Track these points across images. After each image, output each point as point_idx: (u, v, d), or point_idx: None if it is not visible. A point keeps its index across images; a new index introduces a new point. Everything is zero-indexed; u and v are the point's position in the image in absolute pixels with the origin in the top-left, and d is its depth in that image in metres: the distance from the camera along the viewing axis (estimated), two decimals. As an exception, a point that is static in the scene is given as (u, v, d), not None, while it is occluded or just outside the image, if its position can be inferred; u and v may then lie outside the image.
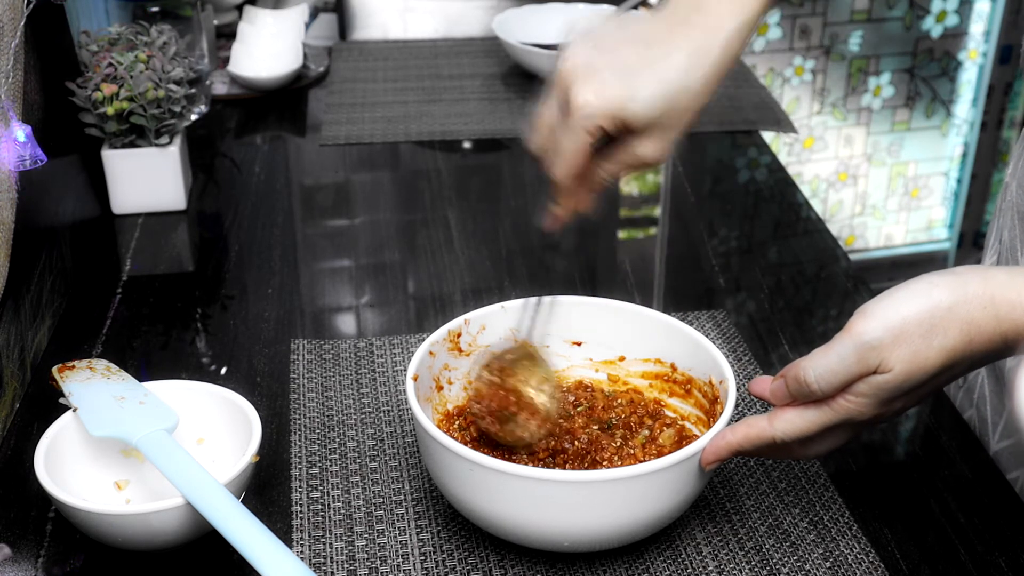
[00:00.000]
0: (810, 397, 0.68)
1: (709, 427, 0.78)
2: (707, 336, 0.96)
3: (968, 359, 0.66)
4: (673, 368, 0.85)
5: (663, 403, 0.85)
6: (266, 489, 0.82)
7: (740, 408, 0.91)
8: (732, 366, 0.91)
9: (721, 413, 0.74)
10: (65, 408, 0.81)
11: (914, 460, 0.88)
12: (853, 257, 2.43)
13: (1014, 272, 0.65)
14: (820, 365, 0.67)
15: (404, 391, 0.91)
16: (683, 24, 0.73)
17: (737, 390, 0.86)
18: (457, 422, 0.83)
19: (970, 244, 2.86)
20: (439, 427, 0.76)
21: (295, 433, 0.87)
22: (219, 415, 0.82)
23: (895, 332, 0.64)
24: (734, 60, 0.74)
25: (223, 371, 0.96)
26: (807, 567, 0.75)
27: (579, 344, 0.88)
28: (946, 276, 0.66)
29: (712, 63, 0.73)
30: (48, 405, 0.85)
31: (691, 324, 1.00)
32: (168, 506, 0.71)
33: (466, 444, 0.78)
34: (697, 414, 0.83)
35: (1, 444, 0.86)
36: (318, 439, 0.87)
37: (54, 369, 0.85)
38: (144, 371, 0.95)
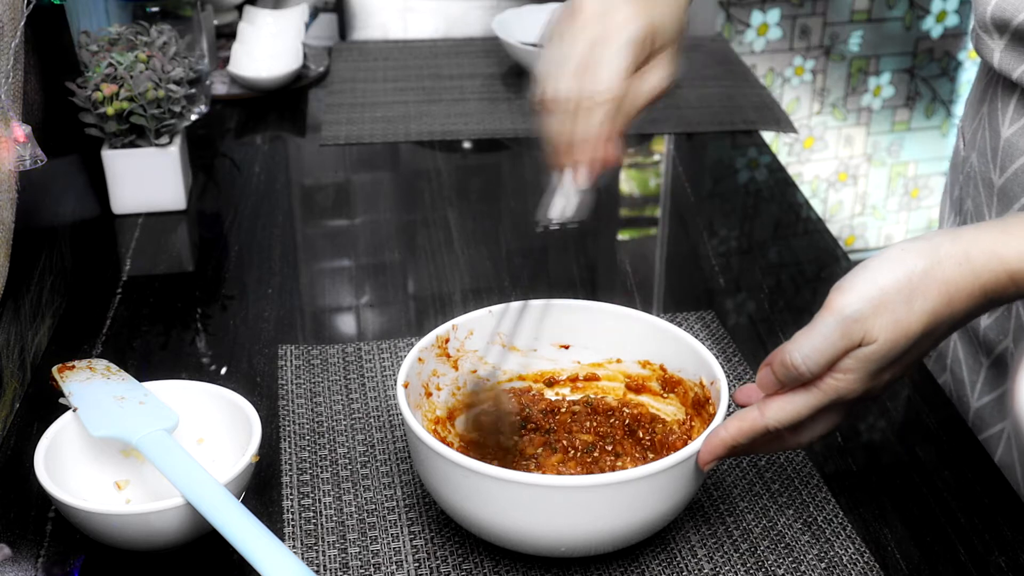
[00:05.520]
0: (799, 380, 0.68)
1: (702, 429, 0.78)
2: (696, 338, 0.95)
3: (949, 320, 0.66)
4: (663, 370, 0.85)
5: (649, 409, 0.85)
6: (266, 489, 0.82)
7: (732, 409, 0.90)
8: (722, 367, 0.90)
9: (714, 415, 0.74)
10: (65, 408, 0.81)
11: (913, 460, 0.88)
12: (853, 257, 2.42)
13: (981, 227, 0.67)
14: (805, 345, 0.66)
15: (394, 398, 0.91)
16: None
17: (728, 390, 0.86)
18: (449, 425, 0.83)
19: (970, 244, 2.86)
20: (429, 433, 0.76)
21: (285, 440, 0.87)
22: (219, 415, 0.82)
23: (875, 302, 0.65)
24: None
25: (223, 371, 0.96)
26: (802, 568, 0.75)
27: (567, 347, 0.88)
28: (917, 242, 0.67)
29: None
30: (48, 405, 0.85)
31: (680, 326, 1.00)
32: (168, 506, 0.71)
33: (458, 451, 0.78)
34: (684, 416, 0.83)
35: (1, 444, 0.86)
36: (308, 445, 0.86)
37: (54, 369, 0.85)
38: (144, 371, 0.95)
